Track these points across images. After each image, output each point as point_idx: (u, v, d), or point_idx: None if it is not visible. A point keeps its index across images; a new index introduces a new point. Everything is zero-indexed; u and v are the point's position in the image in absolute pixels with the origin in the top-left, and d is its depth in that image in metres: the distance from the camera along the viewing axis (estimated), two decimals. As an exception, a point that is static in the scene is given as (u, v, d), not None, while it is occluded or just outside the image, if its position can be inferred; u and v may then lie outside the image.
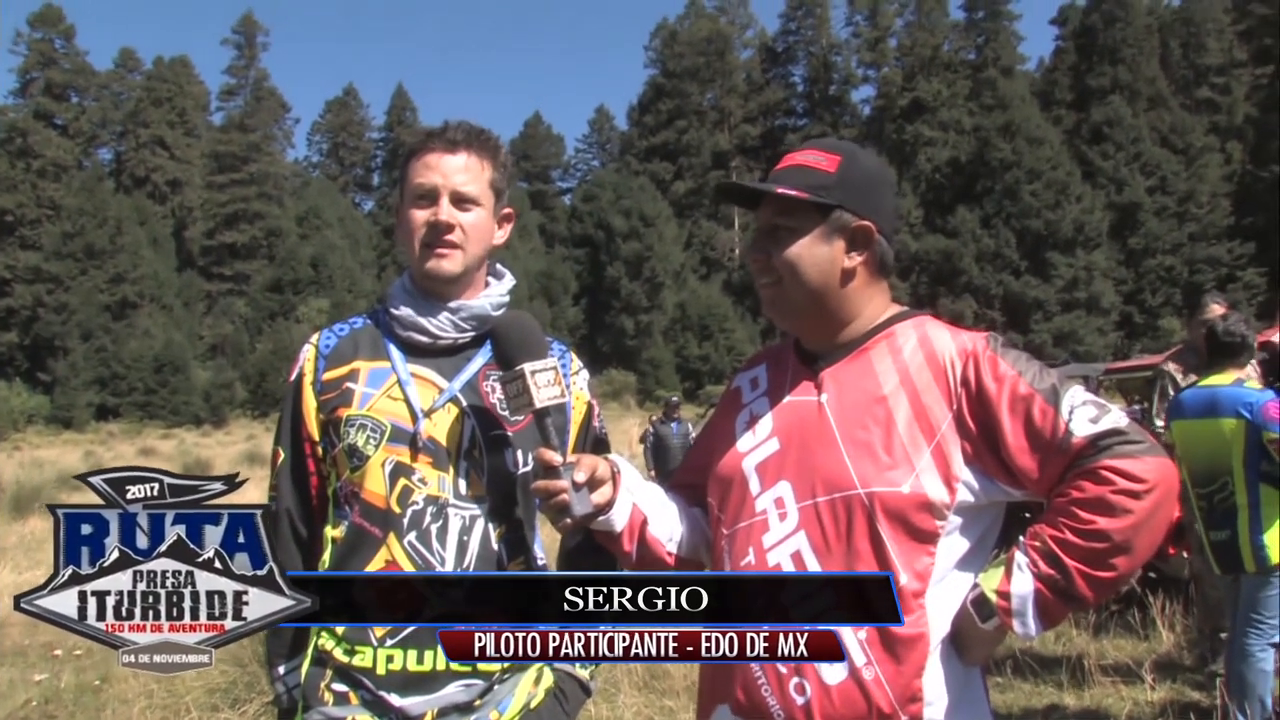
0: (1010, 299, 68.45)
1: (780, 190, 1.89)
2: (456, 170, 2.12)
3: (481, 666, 2.02)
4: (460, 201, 2.12)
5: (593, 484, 1.93)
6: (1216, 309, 6.18)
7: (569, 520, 1.91)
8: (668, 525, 2.08)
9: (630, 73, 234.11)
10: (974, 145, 73.39)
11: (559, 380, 1.96)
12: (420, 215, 2.11)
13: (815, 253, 1.90)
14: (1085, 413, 1.76)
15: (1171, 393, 6.22)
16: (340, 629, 2.04)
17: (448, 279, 2.12)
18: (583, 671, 2.24)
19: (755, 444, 1.97)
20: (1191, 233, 69.20)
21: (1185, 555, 6.93)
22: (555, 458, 1.90)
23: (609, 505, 1.98)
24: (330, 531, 2.12)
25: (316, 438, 2.14)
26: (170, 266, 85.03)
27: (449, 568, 2.02)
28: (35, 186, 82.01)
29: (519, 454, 2.10)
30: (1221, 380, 5.16)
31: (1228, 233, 68.70)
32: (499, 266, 2.29)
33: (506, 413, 2.10)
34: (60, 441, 55.22)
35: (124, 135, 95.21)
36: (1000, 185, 70.15)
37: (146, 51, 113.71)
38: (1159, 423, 6.22)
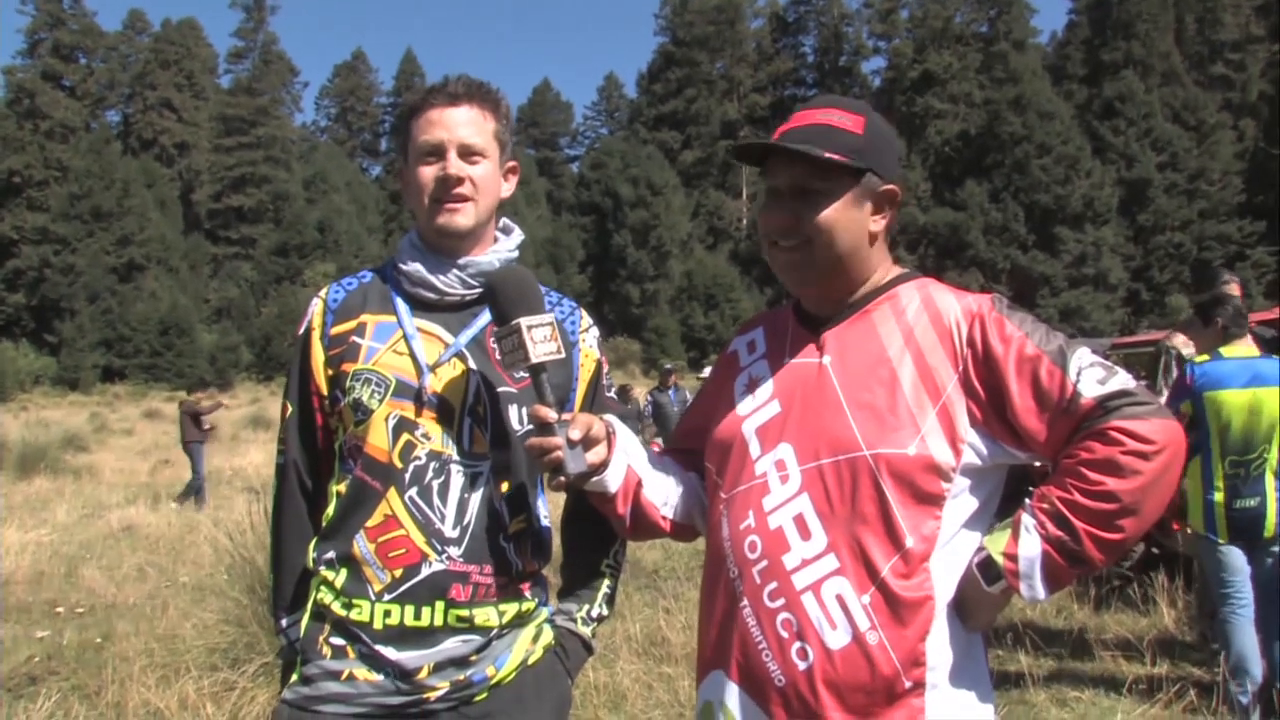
0: (1017, 273, 68.28)
1: (827, 155, 1.83)
2: (461, 124, 2.10)
3: (479, 621, 2.02)
4: (467, 154, 2.10)
5: (588, 443, 1.92)
6: (1234, 286, 6.19)
7: (563, 478, 1.90)
8: (663, 489, 2.07)
9: (640, 41, 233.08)
10: (984, 119, 73.08)
11: (555, 336, 1.94)
12: (429, 171, 2.09)
13: (849, 216, 1.88)
14: (1093, 374, 1.74)
15: (1175, 368, 6.17)
16: (339, 583, 2.03)
17: (461, 233, 2.11)
18: (584, 629, 2.22)
19: (755, 407, 1.95)
20: (1201, 210, 68.92)
21: (1189, 531, 6.92)
22: (550, 414, 1.89)
23: (603, 465, 1.97)
24: (334, 486, 2.11)
25: (324, 392, 2.13)
26: (177, 229, 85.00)
27: (449, 524, 2.01)
28: (43, 148, 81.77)
29: (524, 411, 2.08)
30: (1248, 351, 5.20)
31: (1238, 210, 68.42)
32: (507, 221, 2.27)
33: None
34: (66, 403, 55.40)
35: (132, 97, 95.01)
36: (1010, 159, 69.89)
37: (155, 13, 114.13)
38: (1164, 397, 6.18)
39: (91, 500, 15.91)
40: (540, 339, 1.91)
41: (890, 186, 1.91)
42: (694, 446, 2.10)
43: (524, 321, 1.91)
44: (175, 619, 7.11)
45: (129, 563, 10.22)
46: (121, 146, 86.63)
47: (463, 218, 2.09)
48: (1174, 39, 76.76)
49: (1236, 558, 5.20)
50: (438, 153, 2.09)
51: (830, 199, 1.86)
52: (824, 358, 1.90)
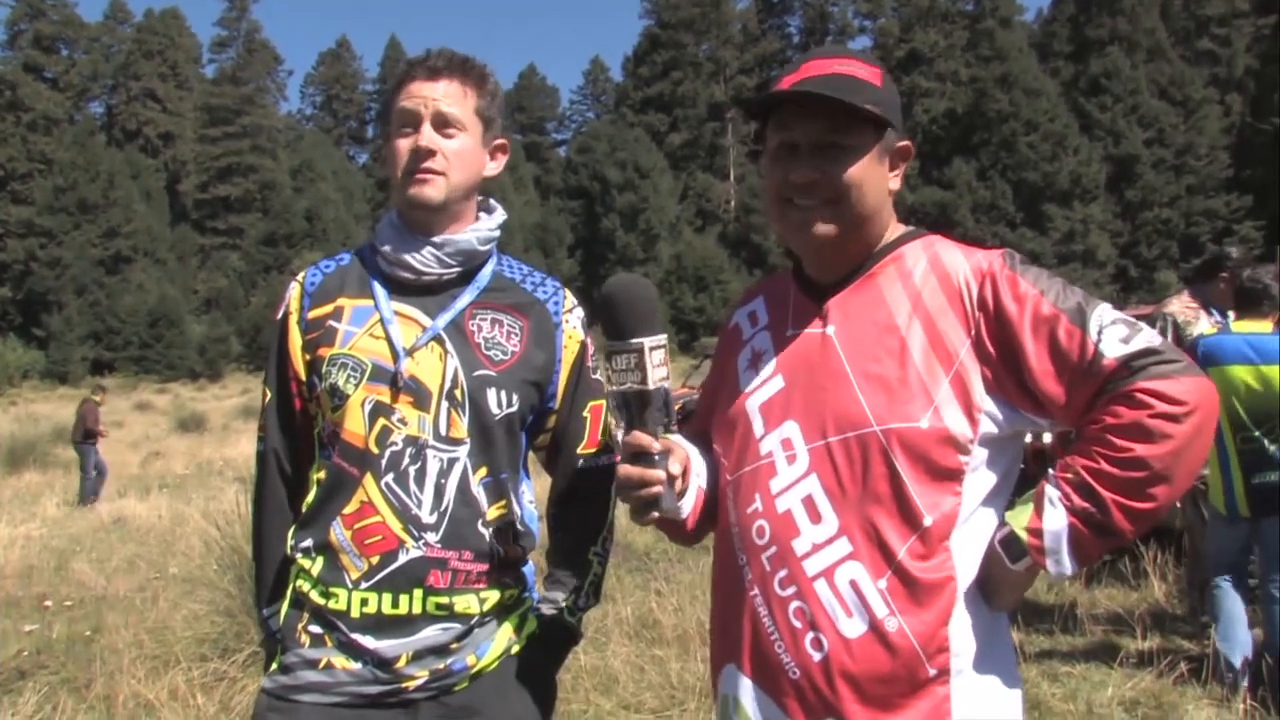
0: (1002, 248, 68.26)
1: (868, 106, 1.72)
2: (440, 96, 2.05)
3: (459, 609, 1.99)
4: (443, 126, 2.05)
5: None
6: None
7: (656, 515, 1.77)
8: (713, 491, 1.95)
9: (625, 24, 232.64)
10: (971, 97, 72.92)
11: (668, 360, 1.78)
12: (403, 144, 2.05)
13: (874, 173, 1.77)
14: (1115, 332, 1.63)
15: (1170, 335, 6.10)
16: (316, 571, 2.00)
17: (430, 206, 2.05)
18: (570, 618, 2.18)
19: (759, 383, 1.85)
20: (1189, 185, 68.95)
21: (1177, 506, 6.93)
22: (654, 444, 1.73)
23: (683, 494, 1.85)
24: (314, 473, 2.09)
25: (303, 377, 2.09)
26: (164, 220, 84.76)
27: (426, 510, 1.97)
28: (26, 140, 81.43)
29: (503, 395, 2.04)
30: (1261, 327, 5.17)
31: (1225, 185, 68.46)
32: (491, 201, 2.22)
33: (491, 341, 2.07)
34: (55, 396, 55.35)
35: (115, 88, 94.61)
36: (997, 137, 69.80)
37: (137, 3, 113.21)
38: None
39: (81, 493, 15.87)
40: (658, 362, 1.74)
41: (905, 143, 1.82)
42: (708, 428, 1.99)
43: (647, 342, 1.74)
44: (165, 610, 7.09)
45: (119, 555, 10.20)
46: (106, 138, 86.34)
47: (431, 189, 2.04)
48: (1159, 15, 76.62)
49: (1242, 540, 5.24)
50: (413, 124, 2.05)
51: (858, 154, 1.75)
52: (828, 327, 1.79)
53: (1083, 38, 76.86)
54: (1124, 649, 5.76)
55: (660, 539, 9.49)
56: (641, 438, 1.73)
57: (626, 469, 1.74)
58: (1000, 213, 68.99)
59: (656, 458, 1.73)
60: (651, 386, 1.73)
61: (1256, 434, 5.05)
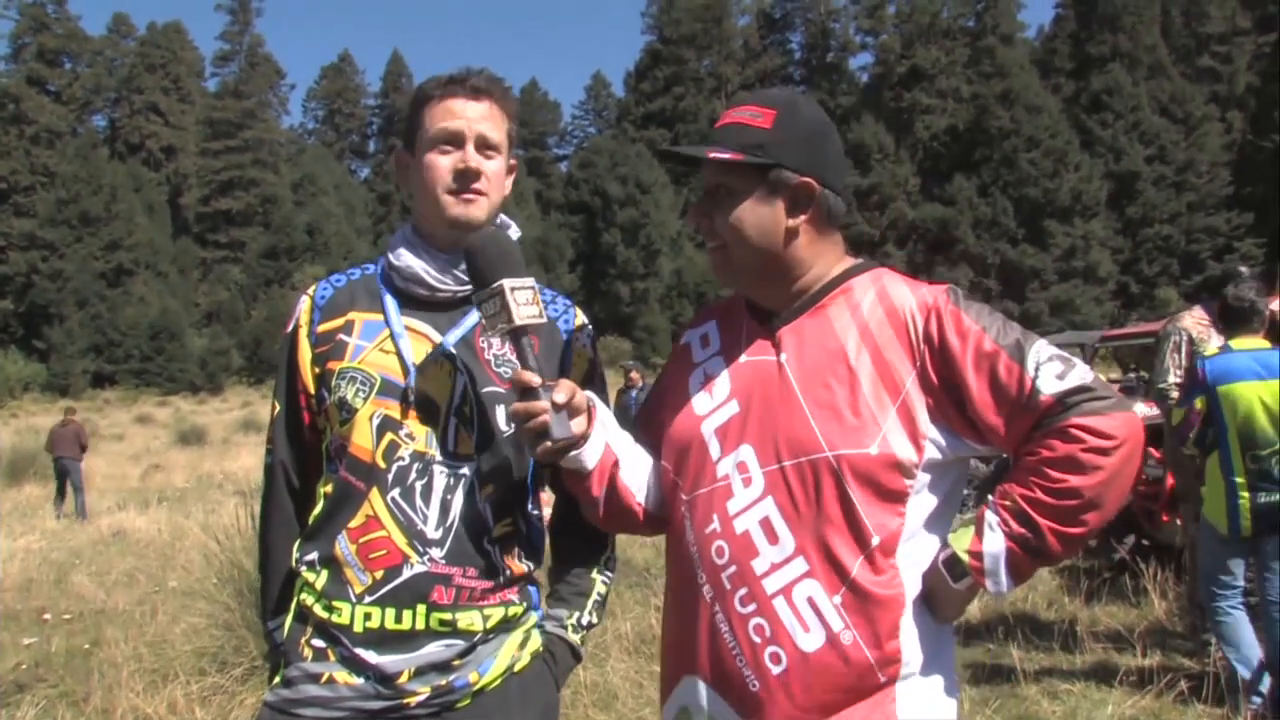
0: (1007, 267, 68.40)
1: (712, 155, 1.82)
2: (482, 117, 2.06)
3: (462, 625, 1.98)
4: (484, 148, 2.07)
5: (571, 410, 1.86)
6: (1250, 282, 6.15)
7: (548, 444, 1.84)
8: (639, 475, 2.01)
9: (627, 39, 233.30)
10: (972, 113, 73.23)
11: (538, 300, 1.89)
12: (444, 161, 2.05)
13: (757, 214, 1.84)
14: (1051, 369, 1.73)
15: (1185, 350, 6.08)
16: (320, 584, 2.00)
17: (475, 226, 2.05)
18: (574, 636, 2.18)
19: (713, 406, 1.91)
20: (1190, 202, 69.15)
21: (1178, 523, 6.92)
22: (534, 378, 1.83)
23: (584, 438, 1.91)
24: (322, 487, 2.08)
25: (311, 390, 2.09)
26: (165, 233, 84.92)
27: (431, 525, 1.98)
28: (29, 153, 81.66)
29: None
30: (1259, 343, 5.17)
31: (1226, 203, 68.67)
32: (504, 217, 2.22)
33: (501, 358, 2.07)
34: (56, 409, 54.85)
35: (118, 102, 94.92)
36: (998, 154, 70.05)
37: (140, 17, 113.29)
38: (1173, 377, 6.06)
39: (77, 506, 15.86)
40: (523, 301, 1.85)
41: (804, 180, 1.83)
42: (652, 440, 2.04)
43: (507, 283, 1.85)
44: (164, 624, 7.08)
45: (119, 568, 10.20)
46: (108, 151, 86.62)
47: (477, 210, 2.06)
48: (1160, 32, 76.97)
49: (1239, 564, 5.18)
50: (455, 142, 2.05)
51: (737, 198, 1.84)
52: (781, 355, 1.86)
53: (1084, 54, 77.22)
54: (1124, 667, 5.74)
55: (660, 555, 9.47)
56: (523, 374, 1.84)
57: (515, 405, 1.85)
58: (1001, 229, 69.14)
59: (541, 391, 1.82)
60: (518, 322, 1.84)
61: (1265, 452, 5.03)
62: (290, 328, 2.16)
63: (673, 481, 1.94)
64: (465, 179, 2.04)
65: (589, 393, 1.96)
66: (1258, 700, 4.98)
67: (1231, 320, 5.30)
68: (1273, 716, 4.88)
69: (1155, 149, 70.03)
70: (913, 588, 1.79)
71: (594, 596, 2.23)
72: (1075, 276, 67.79)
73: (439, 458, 2.00)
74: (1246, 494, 5.06)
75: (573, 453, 1.89)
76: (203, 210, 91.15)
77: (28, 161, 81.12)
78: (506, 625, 2.07)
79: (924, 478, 1.78)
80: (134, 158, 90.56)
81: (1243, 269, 6.26)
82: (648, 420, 2.07)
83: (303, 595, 2.05)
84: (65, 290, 72.54)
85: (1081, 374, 1.74)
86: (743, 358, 1.92)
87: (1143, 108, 70.87)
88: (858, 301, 1.86)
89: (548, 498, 2.26)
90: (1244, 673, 5.06)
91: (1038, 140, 68.52)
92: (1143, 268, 69.23)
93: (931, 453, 1.77)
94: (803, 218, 1.85)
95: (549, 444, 1.84)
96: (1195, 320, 6.29)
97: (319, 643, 2.01)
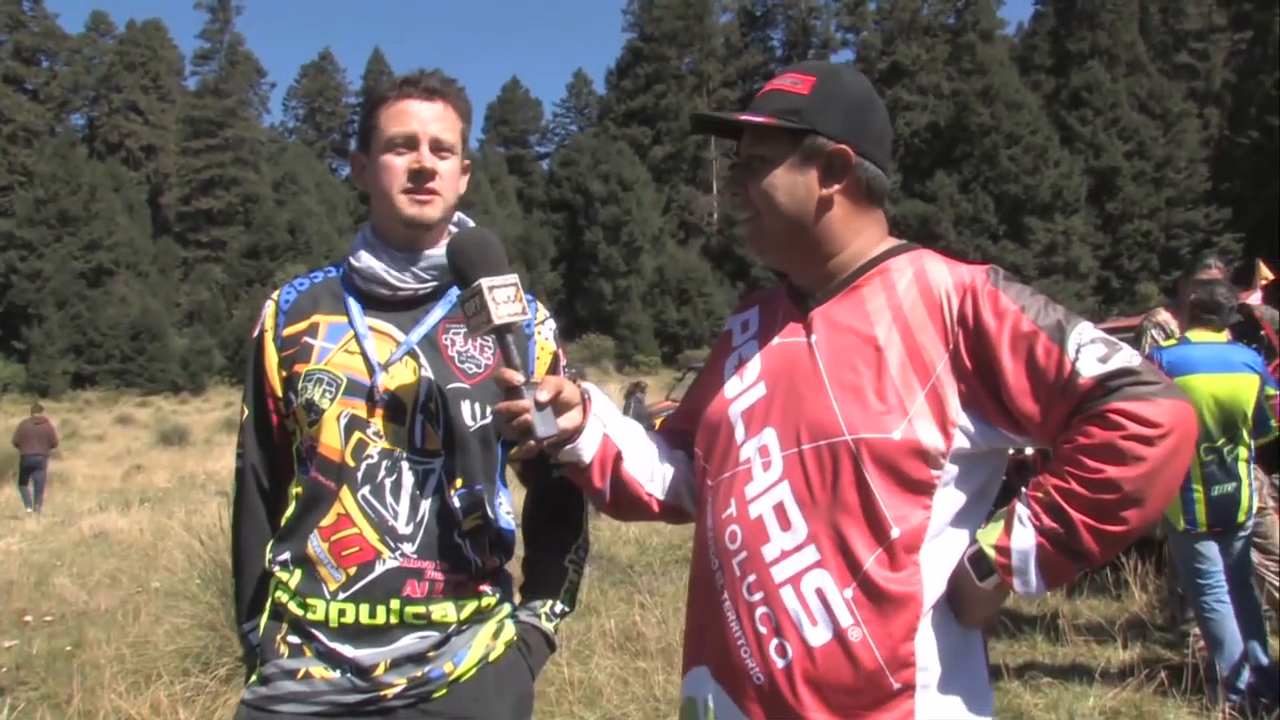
0: (988, 263, 68.53)
1: (744, 118, 1.76)
2: (435, 118, 2.09)
3: (436, 617, 2.00)
4: (438, 149, 2.09)
5: (560, 407, 1.84)
6: (1215, 271, 6.20)
7: (533, 442, 1.82)
8: (647, 465, 1.97)
9: (608, 37, 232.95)
10: (952, 110, 73.33)
11: (520, 297, 1.88)
12: (400, 162, 2.07)
13: (789, 181, 1.77)
14: (1094, 351, 1.60)
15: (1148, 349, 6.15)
16: (294, 583, 2.02)
17: (430, 225, 2.09)
18: (548, 624, 2.21)
19: (742, 389, 1.85)
20: (1169, 198, 69.42)
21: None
22: (516, 376, 1.81)
23: (577, 432, 1.88)
24: (293, 489, 2.11)
25: (279, 393, 2.12)
26: (146, 233, 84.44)
27: (402, 521, 2.00)
28: (6, 152, 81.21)
29: (476, 407, 2.07)
30: (1216, 337, 5.20)
31: (1205, 198, 68.96)
32: (461, 216, 2.25)
33: (464, 354, 2.10)
34: (36, 410, 54.84)
35: (96, 100, 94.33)
36: (979, 150, 70.16)
37: (119, 15, 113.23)
38: None
39: (63, 507, 15.80)
40: (503, 299, 1.85)
41: (839, 146, 1.76)
42: (689, 428, 1.99)
43: (485, 282, 1.85)
44: (147, 625, 7.06)
45: (101, 570, 10.16)
46: (87, 150, 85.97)
47: (432, 210, 2.08)
48: (1138, 29, 77.26)
49: (1212, 549, 5.19)
50: (410, 144, 2.07)
51: (770, 165, 1.78)
52: (811, 337, 1.79)
53: (1063, 51, 77.46)
54: (1105, 659, 5.79)
55: (644, 552, 9.49)
56: (506, 372, 1.82)
57: (499, 404, 1.83)
58: (982, 225, 69.29)
59: (523, 389, 1.80)
60: (497, 322, 1.83)
61: (1219, 443, 5.08)
62: (256, 333, 2.19)
63: (702, 467, 1.90)
64: (420, 179, 2.07)
65: (587, 385, 1.97)
66: (1235, 698, 5.01)
67: (1196, 316, 5.32)
68: (1249, 708, 4.91)
69: (1134, 145, 70.28)
70: (934, 589, 1.67)
71: (565, 585, 2.25)
72: (1056, 272, 67.97)
73: (407, 454, 2.03)
74: (1200, 486, 5.10)
75: (568, 446, 1.88)
76: (183, 209, 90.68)
77: (5, 161, 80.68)
78: (480, 616, 2.09)
79: (952, 469, 1.68)
80: (113, 157, 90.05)
81: (1210, 260, 6.34)
82: (688, 410, 2.04)
83: (278, 594, 2.07)
84: (44, 290, 72.04)
85: (1127, 357, 1.61)
86: (775, 340, 1.86)
87: (1122, 104, 71.12)
88: (894, 282, 1.78)
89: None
90: (1223, 669, 5.08)
91: (1018, 137, 68.68)
92: (1123, 263, 69.49)
93: (961, 441, 1.67)
94: (837, 187, 1.78)
95: (532, 442, 1.83)
96: (1166, 319, 6.42)
97: (295, 639, 2.03)
